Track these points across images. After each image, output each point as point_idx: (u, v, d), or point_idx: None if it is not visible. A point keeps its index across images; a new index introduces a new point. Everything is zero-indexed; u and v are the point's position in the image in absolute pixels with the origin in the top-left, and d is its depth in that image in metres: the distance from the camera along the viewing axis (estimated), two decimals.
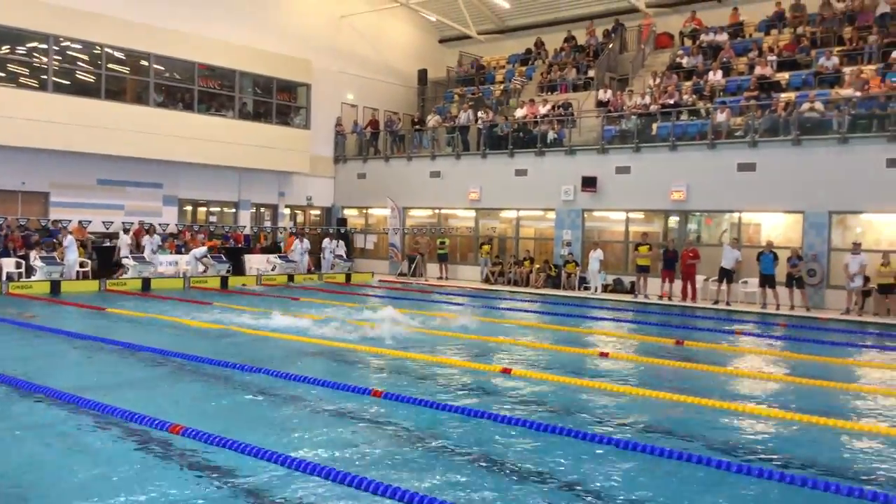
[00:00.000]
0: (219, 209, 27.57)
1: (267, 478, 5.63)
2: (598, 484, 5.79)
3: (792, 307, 19.11)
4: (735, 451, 6.80)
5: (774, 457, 6.66)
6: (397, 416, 7.59)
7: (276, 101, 27.15)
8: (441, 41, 34.41)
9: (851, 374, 11.35)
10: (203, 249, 22.54)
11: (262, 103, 27.04)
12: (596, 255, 22.37)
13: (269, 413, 7.77)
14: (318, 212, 30.63)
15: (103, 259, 21.52)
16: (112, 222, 23.18)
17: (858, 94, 19.88)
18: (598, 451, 6.53)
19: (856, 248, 18.44)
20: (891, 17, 22.25)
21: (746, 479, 5.88)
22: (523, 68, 30.24)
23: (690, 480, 5.91)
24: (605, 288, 22.61)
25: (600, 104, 25.20)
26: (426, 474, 5.88)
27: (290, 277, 24.13)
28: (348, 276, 25.98)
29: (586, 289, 22.84)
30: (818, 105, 20.09)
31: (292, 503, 5.22)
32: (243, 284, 22.61)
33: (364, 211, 30.40)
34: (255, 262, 24.60)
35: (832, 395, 9.48)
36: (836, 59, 21.76)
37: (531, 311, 18.12)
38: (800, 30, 24.00)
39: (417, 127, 29.07)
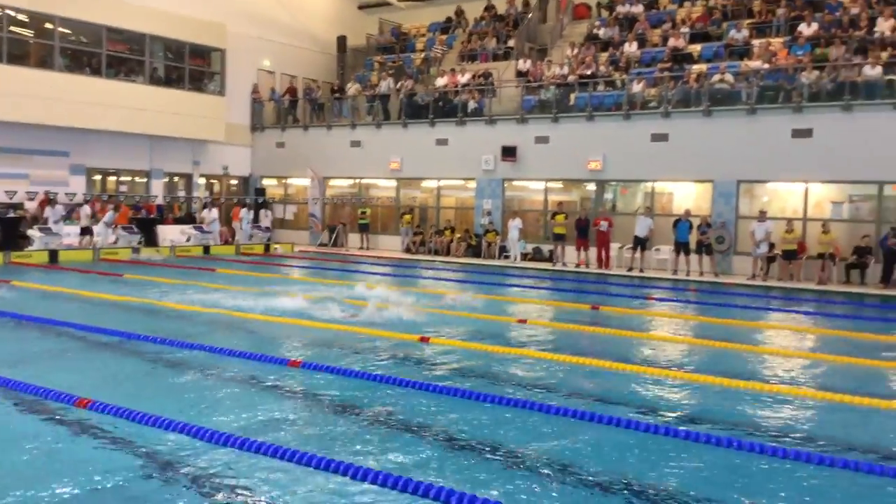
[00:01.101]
0: (129, 178, 26.66)
1: (180, 450, 5.54)
2: (519, 448, 5.90)
3: (701, 273, 19.79)
4: (651, 412, 7.02)
5: (683, 416, 6.93)
6: (315, 385, 7.56)
7: (189, 66, 26.31)
8: (360, 7, 33.90)
9: (756, 336, 11.86)
10: (110, 214, 21.87)
11: (174, 68, 26.16)
12: (515, 224, 22.65)
13: (182, 385, 7.62)
14: (235, 181, 29.96)
15: (7, 231, 20.56)
16: (15, 192, 22.14)
17: (766, 66, 20.56)
18: (518, 416, 6.65)
19: (761, 216, 19.19)
20: None
21: (664, 439, 6.09)
22: (444, 37, 30.10)
23: (614, 443, 6.08)
24: (525, 256, 22.94)
25: (520, 74, 25.35)
26: (342, 442, 5.89)
27: (206, 249, 23.60)
28: (267, 247, 25.59)
29: (506, 257, 23.11)
30: (728, 77, 20.70)
31: (206, 475, 5.15)
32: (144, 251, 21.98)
33: (283, 181, 29.89)
34: (169, 234, 23.95)
35: (738, 356, 9.89)
36: (745, 32, 22.43)
37: (452, 280, 18.24)
38: (711, 2, 24.60)
39: (337, 95, 28.68)
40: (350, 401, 7.05)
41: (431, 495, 4.55)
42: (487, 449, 5.82)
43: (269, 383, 7.58)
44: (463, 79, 25.70)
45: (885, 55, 19.13)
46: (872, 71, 18.82)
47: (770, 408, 7.34)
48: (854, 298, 16.78)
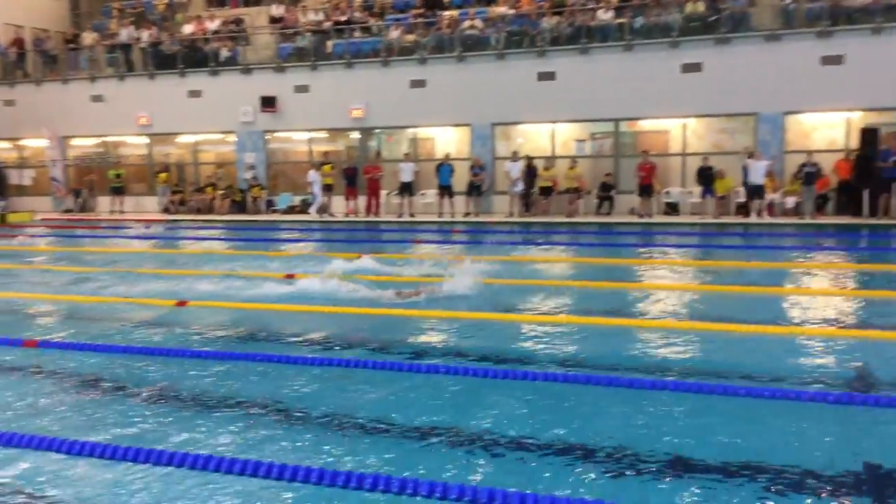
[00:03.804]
0: None
1: None
2: (290, 401, 5.74)
3: (467, 214, 20.51)
4: (422, 352, 7.13)
5: (450, 352, 7.12)
6: (60, 365, 6.87)
7: None
8: None
9: (518, 270, 12.49)
10: None
11: None
12: (316, 178, 21.71)
13: None
14: None
15: None
16: None
17: (512, 11, 21.41)
18: (290, 370, 6.47)
19: (514, 157, 20.16)
20: None
21: (436, 377, 6.19)
22: None
23: (387, 385, 6.10)
24: (293, 209, 22.48)
25: (273, 20, 24.47)
26: (96, 421, 5.40)
27: None
28: (2, 217, 22.99)
29: (274, 211, 22.53)
30: (478, 22, 21.33)
31: None
32: None
33: (16, 142, 26.84)
34: None
35: (505, 290, 10.34)
36: None
37: (214, 239, 17.47)
38: None
39: (72, 46, 26.05)
40: (105, 376, 6.48)
41: (187, 464, 4.30)
42: (264, 406, 5.60)
43: (4, 367, 6.78)
44: (212, 25, 24.33)
45: (615, 0, 20.60)
46: (605, 15, 20.21)
47: (533, 336, 7.74)
48: (597, 228, 18.26)
